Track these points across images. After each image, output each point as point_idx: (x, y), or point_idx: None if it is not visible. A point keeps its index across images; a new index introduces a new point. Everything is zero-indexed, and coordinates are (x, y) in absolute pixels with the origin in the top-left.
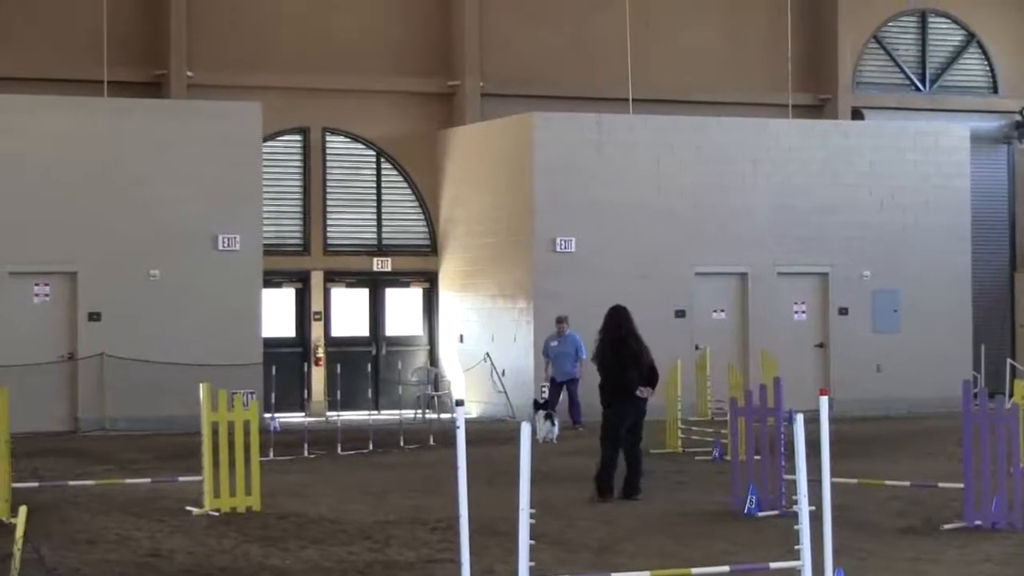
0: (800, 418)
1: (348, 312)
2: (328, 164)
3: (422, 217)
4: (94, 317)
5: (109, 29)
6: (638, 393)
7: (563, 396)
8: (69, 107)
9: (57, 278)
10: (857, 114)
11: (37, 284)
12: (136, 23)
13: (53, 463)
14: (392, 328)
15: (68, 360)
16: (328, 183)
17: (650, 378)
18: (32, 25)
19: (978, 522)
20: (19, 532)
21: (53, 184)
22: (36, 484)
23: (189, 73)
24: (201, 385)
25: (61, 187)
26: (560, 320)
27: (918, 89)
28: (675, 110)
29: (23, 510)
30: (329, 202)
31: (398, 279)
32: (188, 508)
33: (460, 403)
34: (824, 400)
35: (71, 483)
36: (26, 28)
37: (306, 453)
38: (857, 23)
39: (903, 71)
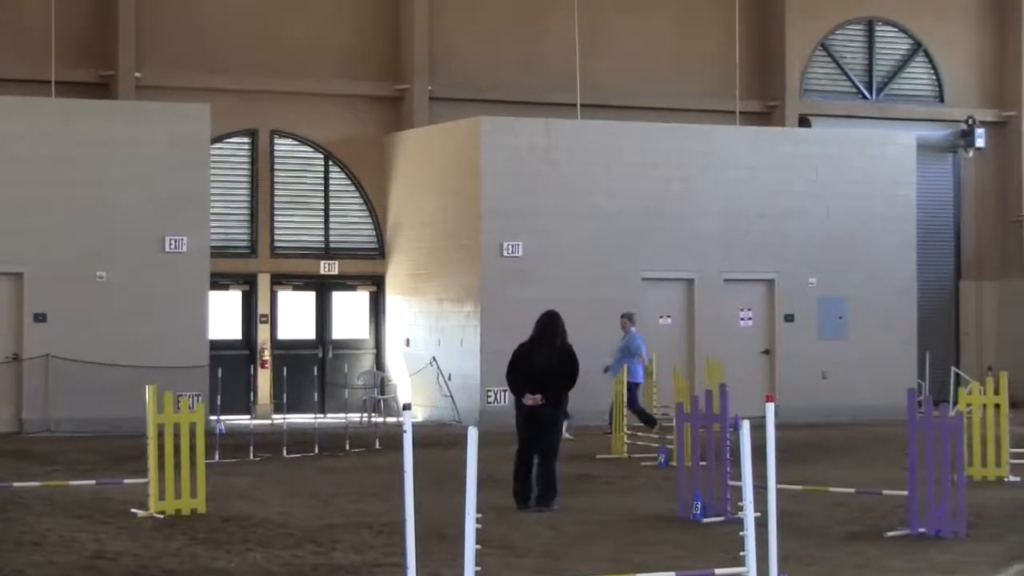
0: (746, 424)
1: (295, 315)
2: (276, 167)
3: (370, 221)
4: (40, 318)
5: (57, 29)
6: (524, 401)
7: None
8: (16, 107)
9: (2, 278)
10: (804, 121)
11: None
12: (85, 23)
13: None
14: (339, 331)
15: (13, 361)
16: (276, 186)
17: (555, 385)
18: None
19: (922, 529)
20: None
21: None
22: None
23: (138, 74)
24: (147, 387)
25: (7, 187)
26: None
27: (865, 97)
28: (624, 116)
29: None
30: (277, 205)
31: (345, 282)
32: (133, 510)
33: (407, 407)
34: (770, 406)
35: (15, 484)
36: None
37: (252, 456)
38: (804, 31)
39: (850, 79)
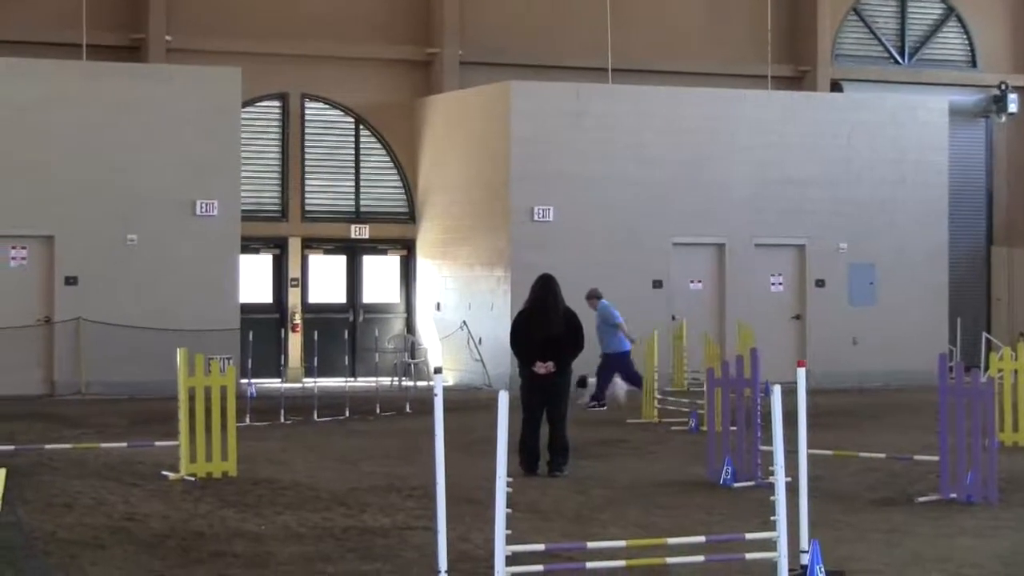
0: (778, 389)
1: (325, 279)
2: (307, 130)
3: (400, 185)
4: (71, 281)
5: None
6: (535, 369)
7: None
8: (47, 71)
9: (34, 242)
10: (836, 86)
11: (14, 247)
12: None
13: (29, 427)
14: (369, 295)
15: (44, 324)
16: (306, 149)
17: (561, 351)
18: None
19: (953, 495)
20: None
21: (31, 148)
22: (12, 447)
23: (168, 37)
24: (178, 350)
25: (39, 151)
26: (590, 296)
27: (897, 62)
28: (654, 80)
29: (1, 472)
30: (307, 169)
31: (376, 246)
32: (164, 473)
33: (439, 371)
34: (802, 372)
35: (47, 447)
36: None
37: (282, 419)
38: None
39: (882, 44)
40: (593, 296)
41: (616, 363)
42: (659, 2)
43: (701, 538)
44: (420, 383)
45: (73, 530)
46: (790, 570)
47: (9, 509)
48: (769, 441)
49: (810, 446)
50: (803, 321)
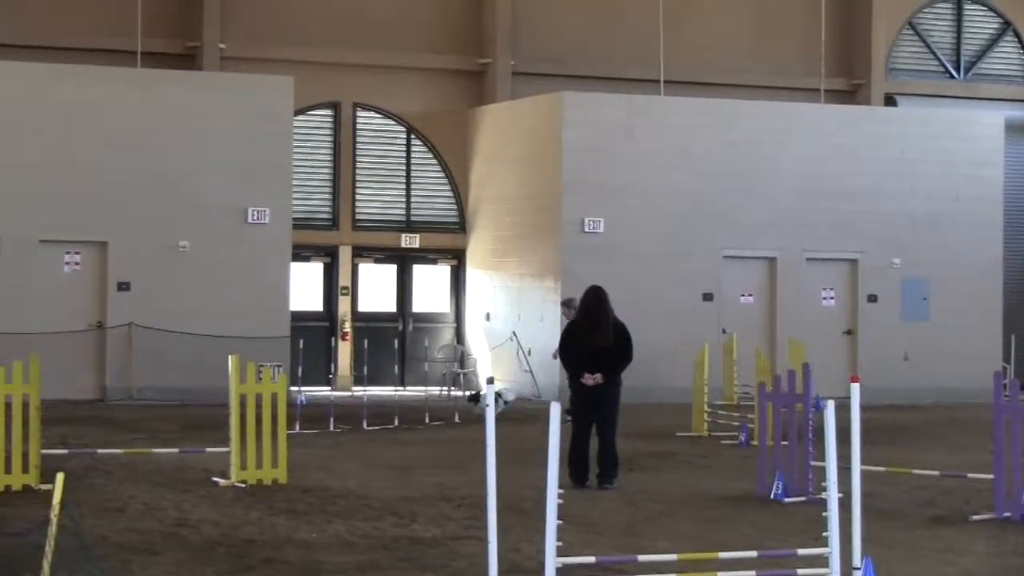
0: (831, 404)
1: (376, 288)
2: (358, 139)
3: (451, 194)
4: (123, 287)
5: (143, 0)
6: (583, 380)
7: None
8: (102, 77)
9: (88, 247)
10: (890, 100)
11: (68, 253)
12: None
13: (81, 431)
14: (419, 305)
15: (97, 329)
16: (358, 158)
17: (610, 363)
18: None
19: (1007, 514)
20: (56, 499)
21: (85, 154)
22: (65, 452)
23: (222, 45)
24: (230, 357)
25: (93, 157)
26: (567, 304)
27: (952, 76)
28: (706, 93)
29: (60, 477)
30: (359, 177)
31: (426, 256)
32: (215, 479)
33: (491, 381)
34: (856, 387)
35: (99, 451)
36: None
37: (332, 427)
38: (891, 9)
39: (937, 58)
40: (570, 306)
41: None
42: (712, 14)
43: (753, 553)
44: (468, 393)
45: (125, 535)
46: None
47: (64, 513)
48: (821, 456)
49: (862, 462)
50: (855, 336)
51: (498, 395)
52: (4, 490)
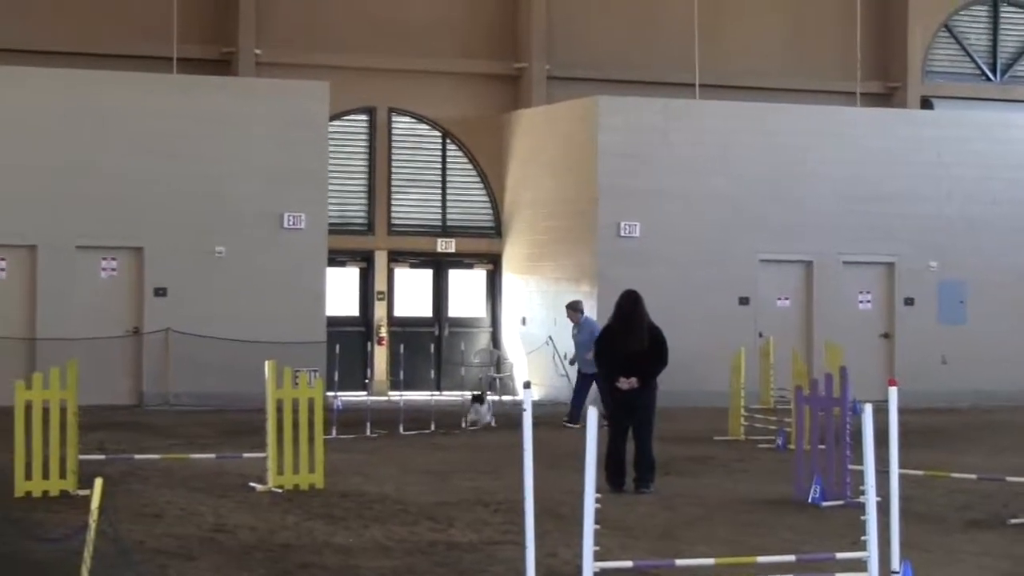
0: (869, 408)
1: (411, 292)
2: (394, 144)
3: (487, 199)
4: (160, 293)
5: (179, 6)
6: (618, 384)
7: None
8: (138, 83)
9: (124, 253)
10: (926, 103)
11: (104, 259)
12: (206, 1)
13: (118, 437)
14: (455, 309)
15: (134, 335)
16: (393, 163)
17: (645, 367)
18: (103, 1)
19: None
20: (95, 504)
21: (121, 160)
22: (102, 457)
23: (257, 51)
24: (267, 362)
25: (129, 162)
26: (573, 307)
27: (988, 79)
28: (742, 96)
29: (99, 482)
30: (394, 182)
31: (462, 260)
32: (251, 484)
33: (528, 385)
34: (894, 390)
35: (136, 456)
36: (96, 4)
37: (368, 432)
38: (927, 11)
39: (973, 60)
40: (577, 309)
41: (589, 384)
42: (747, 18)
43: (791, 557)
44: (505, 397)
45: (162, 540)
46: None
47: (101, 519)
48: (857, 460)
49: (900, 466)
50: (891, 339)
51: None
52: (42, 495)
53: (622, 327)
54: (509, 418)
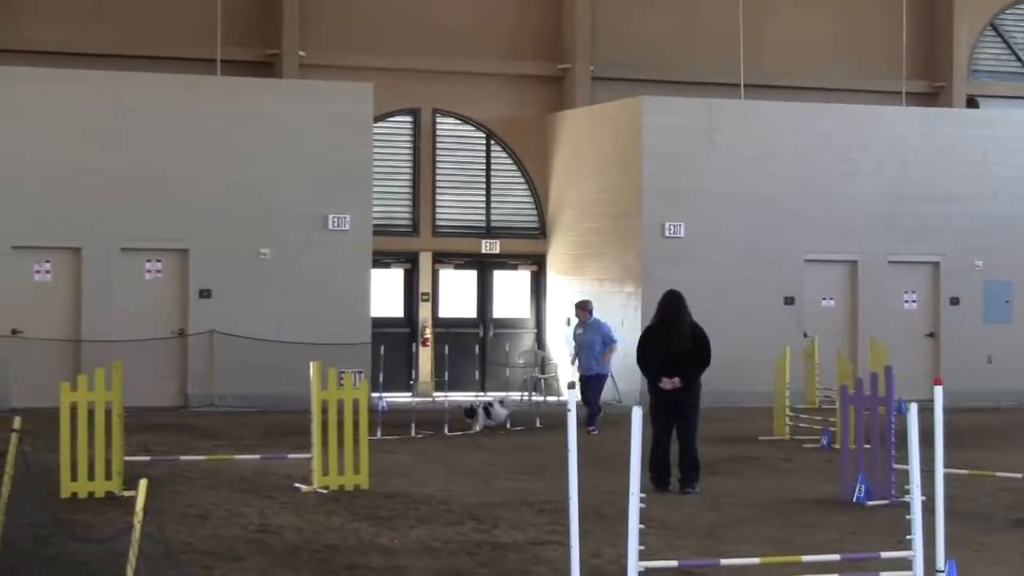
0: (914, 407)
1: (456, 293)
2: (438, 145)
3: (531, 200)
4: (205, 294)
5: (223, 8)
6: (661, 385)
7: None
8: (182, 85)
9: (169, 255)
10: (972, 102)
11: (149, 261)
12: (250, 2)
13: (163, 438)
14: (500, 310)
15: (179, 336)
16: (438, 164)
17: (688, 367)
18: (147, 3)
19: None
20: (139, 505)
21: (166, 162)
22: (147, 458)
23: (302, 53)
24: (312, 364)
25: (174, 164)
26: (582, 306)
27: None
28: (786, 96)
29: (144, 483)
30: (439, 183)
31: (506, 261)
32: (297, 485)
33: (572, 386)
34: (939, 390)
35: (181, 458)
36: (141, 6)
37: (413, 433)
38: (973, 10)
39: (1020, 59)
40: (587, 308)
41: (601, 384)
42: (792, 18)
43: (836, 556)
44: (550, 398)
45: (208, 541)
46: None
47: (147, 520)
48: (902, 460)
49: (945, 465)
50: (937, 339)
51: (487, 408)
52: (88, 497)
53: (663, 328)
54: (554, 419)
